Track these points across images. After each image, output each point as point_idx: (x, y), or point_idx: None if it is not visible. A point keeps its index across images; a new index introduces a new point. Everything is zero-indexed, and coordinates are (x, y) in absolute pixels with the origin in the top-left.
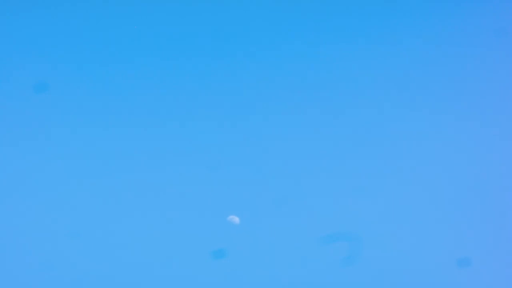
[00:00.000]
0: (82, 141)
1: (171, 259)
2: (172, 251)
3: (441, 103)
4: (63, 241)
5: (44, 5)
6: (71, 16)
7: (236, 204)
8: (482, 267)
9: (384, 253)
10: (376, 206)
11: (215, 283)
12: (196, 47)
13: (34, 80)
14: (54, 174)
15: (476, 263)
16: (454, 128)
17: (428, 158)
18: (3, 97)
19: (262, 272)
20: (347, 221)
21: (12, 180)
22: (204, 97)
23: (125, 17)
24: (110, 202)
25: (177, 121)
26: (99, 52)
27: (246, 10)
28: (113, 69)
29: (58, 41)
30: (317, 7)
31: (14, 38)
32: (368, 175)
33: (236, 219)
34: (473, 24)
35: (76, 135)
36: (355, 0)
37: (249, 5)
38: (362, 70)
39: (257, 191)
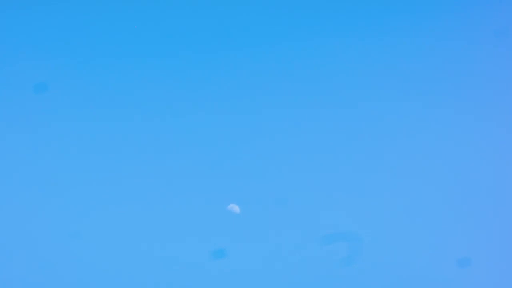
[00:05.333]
0: (82, 141)
1: (171, 259)
2: (172, 251)
3: (441, 103)
4: (64, 241)
5: (44, 5)
6: (71, 16)
7: (236, 203)
8: (482, 267)
9: (384, 253)
10: (376, 206)
11: (215, 283)
12: (197, 46)
13: (34, 80)
14: (54, 174)
15: (476, 263)
16: (454, 128)
17: (428, 158)
18: (3, 97)
19: (262, 272)
20: (347, 221)
21: (12, 180)
22: (204, 96)
23: (125, 17)
24: (110, 201)
25: (177, 120)
26: (99, 52)
27: (246, 8)
28: (114, 69)
29: (58, 41)
30: (317, 4)
31: (14, 38)
32: (368, 174)
33: (236, 208)
34: (473, 24)
35: (76, 135)
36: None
37: (249, 3)
38: (361, 70)
39: (257, 191)
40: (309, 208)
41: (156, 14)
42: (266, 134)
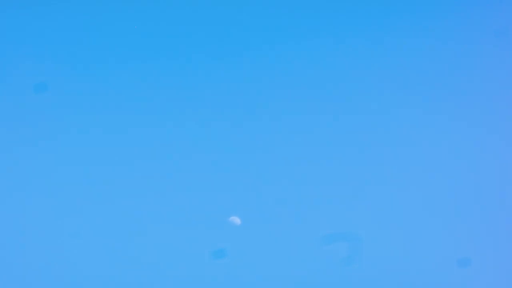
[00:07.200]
0: (82, 141)
1: (172, 259)
2: (172, 251)
3: (440, 104)
4: (61, 241)
5: (44, 5)
6: (71, 16)
7: (237, 204)
8: (482, 267)
9: (384, 253)
10: (376, 206)
11: (215, 283)
12: (197, 47)
13: (34, 80)
14: (54, 174)
15: (476, 263)
16: (453, 129)
17: (428, 158)
18: (3, 97)
19: (262, 272)
20: (348, 222)
21: (11, 180)
22: (205, 97)
23: (125, 17)
24: (110, 202)
25: (178, 121)
26: (99, 52)
27: (248, 10)
28: (114, 69)
29: (58, 41)
30: (318, 6)
31: (14, 38)
32: (368, 175)
33: (237, 220)
34: (473, 24)
35: (76, 135)
36: (358, 1)
37: (250, 4)
38: (361, 71)
39: (258, 191)
40: (309, 209)
41: (157, 14)
42: (266, 136)
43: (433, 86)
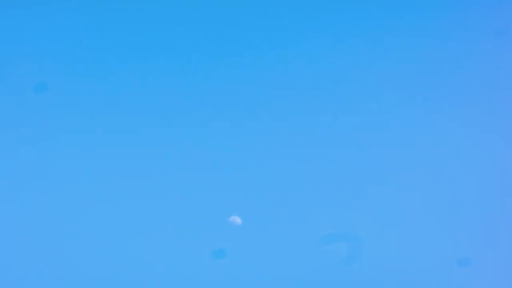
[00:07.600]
0: (82, 141)
1: (172, 259)
2: (172, 251)
3: (440, 104)
4: (61, 241)
5: (44, 5)
6: (71, 16)
7: (237, 204)
8: (482, 267)
9: (384, 253)
10: (376, 206)
11: (215, 283)
12: (197, 47)
13: (34, 80)
14: (54, 173)
15: (476, 263)
16: (453, 129)
17: (429, 159)
18: (3, 97)
19: (262, 272)
20: (348, 222)
21: (11, 179)
22: (205, 97)
23: (125, 17)
24: (110, 202)
25: (178, 121)
26: (99, 52)
27: (248, 10)
28: (114, 69)
29: (58, 41)
30: (318, 6)
31: (14, 38)
32: (368, 175)
33: (238, 220)
34: (473, 24)
35: (76, 135)
36: (358, 1)
37: (250, 4)
38: (361, 71)
39: (258, 191)
40: (309, 209)
41: (157, 14)
42: (266, 136)
43: (433, 86)
